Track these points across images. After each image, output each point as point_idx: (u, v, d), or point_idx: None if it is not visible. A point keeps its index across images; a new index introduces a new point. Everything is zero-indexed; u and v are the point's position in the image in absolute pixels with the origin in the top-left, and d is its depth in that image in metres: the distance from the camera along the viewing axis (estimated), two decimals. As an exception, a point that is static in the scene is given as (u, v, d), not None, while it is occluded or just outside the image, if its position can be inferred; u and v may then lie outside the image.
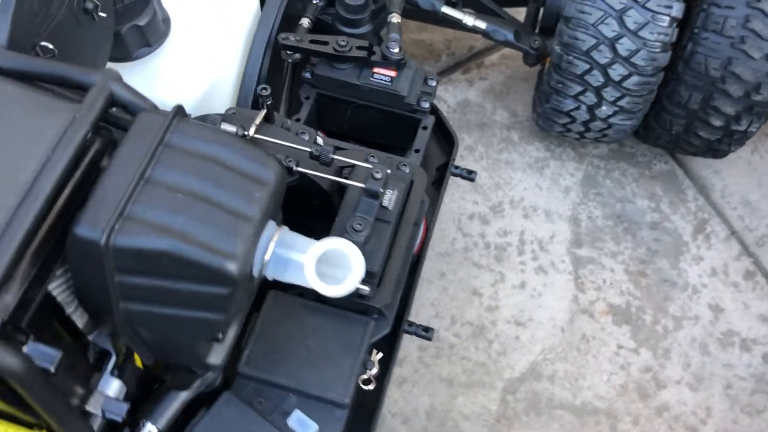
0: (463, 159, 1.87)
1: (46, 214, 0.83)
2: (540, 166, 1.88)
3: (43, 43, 1.04)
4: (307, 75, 1.46)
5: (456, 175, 1.52)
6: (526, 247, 1.76)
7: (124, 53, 1.31)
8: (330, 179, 1.18)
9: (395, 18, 1.47)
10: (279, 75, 1.53)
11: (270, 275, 0.93)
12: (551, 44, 1.70)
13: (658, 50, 1.50)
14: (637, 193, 1.86)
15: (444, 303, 1.67)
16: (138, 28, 1.28)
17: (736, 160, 1.92)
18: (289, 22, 1.54)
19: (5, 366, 0.77)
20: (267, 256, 0.91)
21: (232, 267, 0.84)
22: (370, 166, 1.16)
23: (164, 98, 1.31)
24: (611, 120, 1.63)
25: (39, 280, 0.86)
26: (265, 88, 1.19)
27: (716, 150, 1.73)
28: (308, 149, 1.16)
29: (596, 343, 1.64)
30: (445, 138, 1.59)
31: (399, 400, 1.54)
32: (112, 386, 1.01)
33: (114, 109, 0.94)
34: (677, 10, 1.48)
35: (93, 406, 0.99)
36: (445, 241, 1.75)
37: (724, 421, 1.55)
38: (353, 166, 1.21)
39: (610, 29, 1.49)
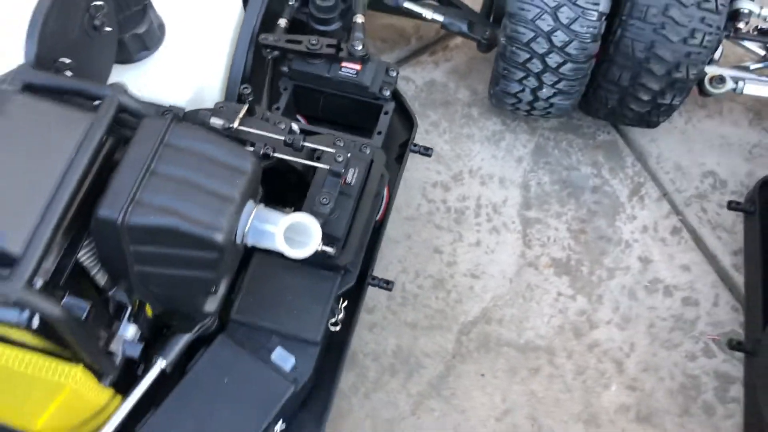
0: (428, 134, 2.12)
1: (73, 201, 1.09)
2: (496, 139, 2.14)
3: (61, 59, 1.29)
4: (285, 69, 1.70)
5: (414, 152, 1.78)
6: (482, 211, 2.02)
7: (126, 57, 1.56)
8: (302, 162, 1.44)
9: (359, 18, 1.71)
10: (261, 69, 1.77)
11: (250, 243, 1.20)
12: (498, 37, 1.94)
13: (588, 41, 1.74)
14: (581, 161, 2.11)
15: (409, 260, 1.94)
16: (138, 35, 1.53)
17: (672, 130, 2.17)
18: (268, 22, 1.78)
19: (50, 314, 1.05)
20: (247, 228, 1.18)
21: (219, 237, 1.12)
22: (334, 150, 1.42)
23: (163, 95, 1.56)
24: (552, 100, 1.88)
25: (70, 250, 1.14)
26: (246, 87, 1.44)
27: (648, 121, 1.97)
28: (282, 137, 1.42)
29: (539, 292, 1.91)
30: (407, 119, 1.84)
31: (370, 342, 1.82)
32: (129, 331, 1.29)
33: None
34: (604, 6, 1.71)
35: (115, 347, 1.27)
36: (411, 206, 2.01)
37: (645, 354, 1.84)
38: (322, 151, 1.47)
39: (546, 24, 1.73)
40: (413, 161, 2.06)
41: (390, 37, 2.30)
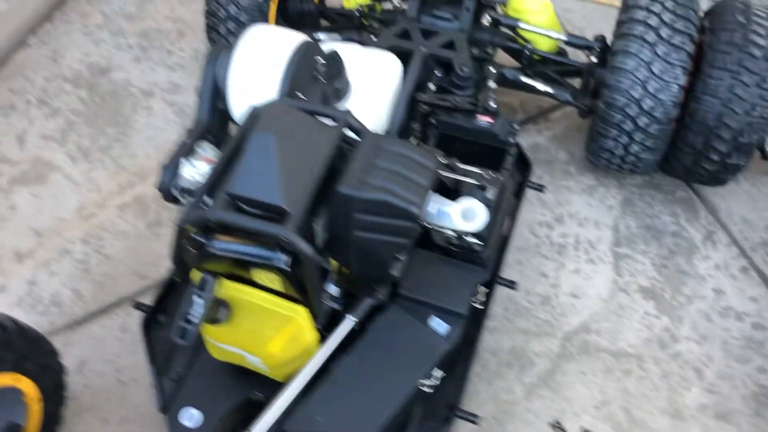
0: (534, 185, 2.59)
1: (319, 180, 1.59)
2: (591, 191, 2.59)
3: (297, 93, 1.84)
4: (433, 120, 2.22)
5: (530, 187, 2.25)
6: (580, 246, 2.45)
7: (328, 103, 2.10)
8: (457, 179, 1.92)
9: (492, 84, 2.23)
10: (415, 119, 2.30)
11: (431, 220, 1.67)
12: (597, 103, 2.44)
13: (670, 107, 2.22)
14: (662, 212, 2.54)
15: (522, 281, 2.36)
16: (335, 88, 2.07)
17: (739, 191, 2.60)
18: (420, 85, 2.32)
19: (306, 253, 1.52)
20: (431, 209, 1.65)
21: (416, 210, 1.59)
22: (481, 171, 1.90)
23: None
24: (640, 155, 2.34)
25: (312, 216, 1.62)
26: (413, 122, 1.95)
27: (718, 178, 2.41)
28: (445, 162, 1.91)
29: (629, 311, 2.30)
30: (523, 164, 2.32)
31: (490, 341, 2.23)
32: (332, 289, 1.75)
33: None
34: (683, 80, 2.20)
35: (324, 298, 1.73)
36: (521, 239, 2.46)
37: (721, 365, 2.19)
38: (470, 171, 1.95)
39: (637, 93, 2.22)
40: (524, 206, 2.52)
41: (501, 110, 2.82)
